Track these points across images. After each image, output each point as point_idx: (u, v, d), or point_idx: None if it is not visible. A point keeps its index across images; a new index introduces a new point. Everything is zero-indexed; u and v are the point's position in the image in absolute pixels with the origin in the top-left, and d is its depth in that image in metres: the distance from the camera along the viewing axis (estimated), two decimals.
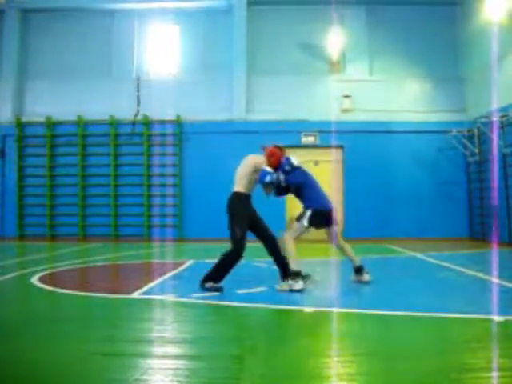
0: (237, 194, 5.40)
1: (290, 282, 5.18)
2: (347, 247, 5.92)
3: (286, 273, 5.34)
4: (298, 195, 5.78)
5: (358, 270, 5.79)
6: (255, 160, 5.49)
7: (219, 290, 5.11)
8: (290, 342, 3.45)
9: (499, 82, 10.96)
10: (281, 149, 5.59)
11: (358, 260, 5.87)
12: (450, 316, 4.03)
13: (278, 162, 5.49)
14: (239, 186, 5.41)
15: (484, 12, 11.59)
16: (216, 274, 5.22)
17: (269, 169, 5.40)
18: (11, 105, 13.60)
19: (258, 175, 5.38)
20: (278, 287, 5.30)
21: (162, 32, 13.98)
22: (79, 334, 3.59)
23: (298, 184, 5.70)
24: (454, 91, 13.32)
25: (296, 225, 5.58)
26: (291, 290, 5.12)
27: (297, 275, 5.21)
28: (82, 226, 13.30)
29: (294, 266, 5.27)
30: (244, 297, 4.91)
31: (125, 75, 13.60)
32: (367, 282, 5.68)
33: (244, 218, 5.30)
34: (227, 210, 5.43)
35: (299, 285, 5.15)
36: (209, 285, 5.16)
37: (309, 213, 5.53)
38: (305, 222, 5.51)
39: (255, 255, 8.92)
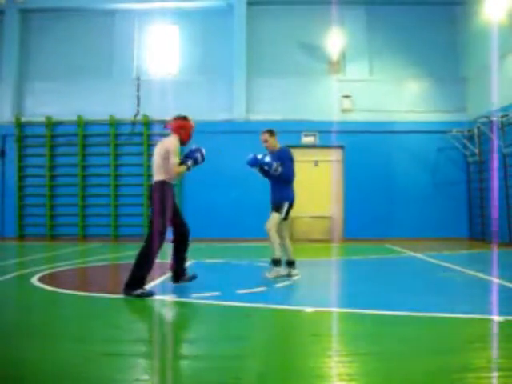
0: (159, 183, 4.94)
1: (276, 268, 5.82)
2: (288, 243, 6.29)
3: (178, 273, 5.35)
4: (275, 183, 6.15)
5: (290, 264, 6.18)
6: (165, 145, 5.01)
7: (151, 294, 4.80)
8: (290, 342, 3.45)
9: (499, 82, 10.96)
10: (185, 118, 5.22)
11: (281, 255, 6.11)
12: (450, 316, 4.03)
13: (189, 134, 5.22)
14: (159, 175, 4.97)
15: (484, 12, 11.60)
16: (139, 276, 4.83)
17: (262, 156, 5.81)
18: (11, 105, 13.60)
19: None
20: (268, 275, 5.76)
21: (162, 32, 13.98)
22: (79, 334, 3.59)
23: (287, 176, 6.07)
24: (454, 91, 13.32)
25: (275, 215, 6.00)
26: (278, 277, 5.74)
27: (279, 262, 5.86)
28: (82, 226, 13.30)
29: (278, 253, 5.88)
30: (244, 297, 4.91)
31: (125, 75, 13.60)
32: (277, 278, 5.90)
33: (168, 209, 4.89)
34: (149, 201, 5.09)
35: (282, 271, 5.89)
36: (139, 291, 4.76)
37: (286, 205, 6.03)
38: (282, 214, 6.01)
39: (256, 255, 8.93)
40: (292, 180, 6.17)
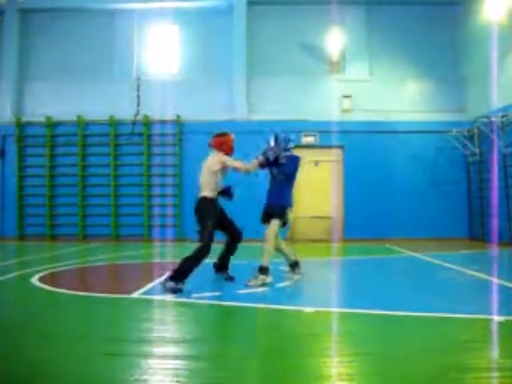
0: (204, 200, 5.60)
1: (262, 276, 5.54)
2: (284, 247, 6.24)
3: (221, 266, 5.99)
4: (277, 184, 5.95)
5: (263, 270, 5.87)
6: (215, 160, 5.60)
7: (179, 291, 5.01)
8: (290, 342, 3.45)
9: (499, 81, 10.96)
10: (224, 134, 5.78)
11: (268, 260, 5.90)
12: (450, 316, 4.03)
13: (231, 147, 5.76)
14: (205, 191, 5.62)
15: (484, 12, 11.60)
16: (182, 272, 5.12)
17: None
18: (11, 105, 13.60)
19: (223, 172, 5.66)
20: (251, 283, 5.50)
21: (162, 32, 13.98)
22: (79, 334, 3.59)
23: (289, 175, 5.91)
24: (454, 91, 13.31)
25: (276, 222, 5.78)
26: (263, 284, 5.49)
27: (266, 271, 5.61)
28: (81, 226, 13.29)
29: (266, 263, 5.65)
30: (244, 297, 4.91)
31: (125, 75, 13.59)
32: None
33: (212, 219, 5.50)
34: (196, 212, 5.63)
35: (268, 279, 5.60)
36: (170, 285, 5.04)
37: (289, 211, 5.89)
38: (285, 220, 5.88)
39: (256, 255, 8.92)
40: (292, 181, 6.01)
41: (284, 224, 5.92)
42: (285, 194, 5.91)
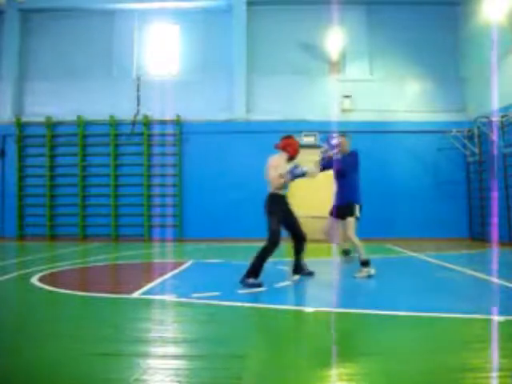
0: (269, 195, 5.75)
1: (365, 268, 6.09)
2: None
3: (296, 267, 6.12)
4: (339, 182, 6.46)
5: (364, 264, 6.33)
6: (270, 160, 5.85)
7: (259, 285, 5.31)
8: (290, 342, 3.45)
9: (499, 82, 10.96)
10: (290, 136, 6.05)
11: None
12: (450, 316, 4.03)
13: (296, 149, 5.98)
14: (270, 187, 5.76)
15: (484, 12, 11.59)
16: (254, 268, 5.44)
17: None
18: (11, 105, 13.61)
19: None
20: (357, 275, 6.07)
21: (162, 32, 13.98)
22: (79, 334, 3.59)
23: (347, 171, 6.33)
24: (454, 91, 13.32)
25: (351, 220, 6.24)
26: (369, 276, 6.03)
27: (367, 263, 6.12)
28: (82, 226, 13.30)
29: (364, 256, 6.13)
30: (244, 297, 4.91)
31: (125, 75, 13.60)
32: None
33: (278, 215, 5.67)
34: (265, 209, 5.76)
35: (372, 270, 6.11)
36: (249, 281, 5.35)
37: (355, 207, 6.27)
38: (357, 215, 6.29)
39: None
40: (354, 176, 6.38)
41: (357, 219, 6.32)
42: (348, 191, 6.34)
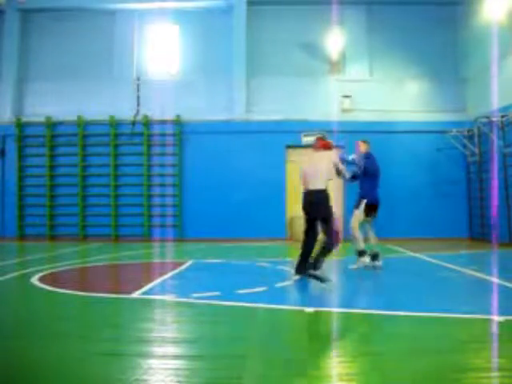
0: (325, 192, 5.90)
1: (361, 259, 6.71)
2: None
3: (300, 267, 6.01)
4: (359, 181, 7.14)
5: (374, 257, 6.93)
6: (332, 158, 6.14)
7: (326, 279, 5.43)
8: (290, 342, 3.45)
9: (499, 82, 10.96)
10: (323, 138, 6.41)
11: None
12: (450, 316, 4.03)
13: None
14: (323, 184, 5.90)
15: (484, 12, 11.58)
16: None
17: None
18: (11, 105, 13.60)
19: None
20: (352, 267, 6.71)
21: (162, 32, 13.98)
22: (79, 334, 3.59)
23: (365, 171, 7.06)
24: (454, 91, 13.31)
25: (355, 212, 6.92)
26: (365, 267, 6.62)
27: (363, 254, 6.75)
28: (82, 226, 13.29)
29: (360, 247, 6.74)
30: (244, 297, 4.91)
31: (125, 75, 13.59)
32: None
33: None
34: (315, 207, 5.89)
35: (367, 260, 6.74)
36: (313, 272, 5.51)
37: (363, 203, 6.89)
38: (360, 210, 6.90)
39: (256, 255, 8.93)
40: (372, 175, 7.15)
41: (367, 214, 6.95)
42: (362, 188, 7.10)
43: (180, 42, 13.90)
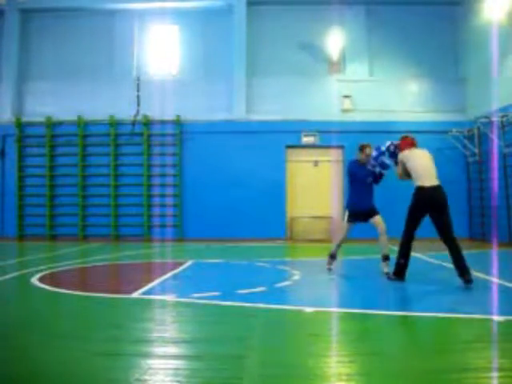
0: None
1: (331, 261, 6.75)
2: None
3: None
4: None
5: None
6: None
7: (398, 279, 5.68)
8: (289, 342, 3.45)
9: (499, 82, 10.96)
10: (405, 137, 6.76)
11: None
12: (450, 316, 4.03)
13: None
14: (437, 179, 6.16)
15: (484, 12, 11.59)
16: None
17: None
18: (11, 105, 13.60)
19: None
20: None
21: (162, 32, 13.98)
22: (79, 334, 3.59)
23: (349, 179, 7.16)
24: (454, 91, 13.31)
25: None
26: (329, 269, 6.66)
27: (332, 257, 6.79)
28: (82, 226, 13.30)
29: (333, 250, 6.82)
30: (244, 297, 4.91)
31: (125, 75, 13.60)
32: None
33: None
34: (444, 202, 6.12)
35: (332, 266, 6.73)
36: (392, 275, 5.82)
37: (345, 212, 6.87)
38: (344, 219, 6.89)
39: (255, 255, 8.93)
40: (354, 183, 7.21)
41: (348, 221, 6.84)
42: (348, 197, 7.14)
43: (180, 42, 13.90)
